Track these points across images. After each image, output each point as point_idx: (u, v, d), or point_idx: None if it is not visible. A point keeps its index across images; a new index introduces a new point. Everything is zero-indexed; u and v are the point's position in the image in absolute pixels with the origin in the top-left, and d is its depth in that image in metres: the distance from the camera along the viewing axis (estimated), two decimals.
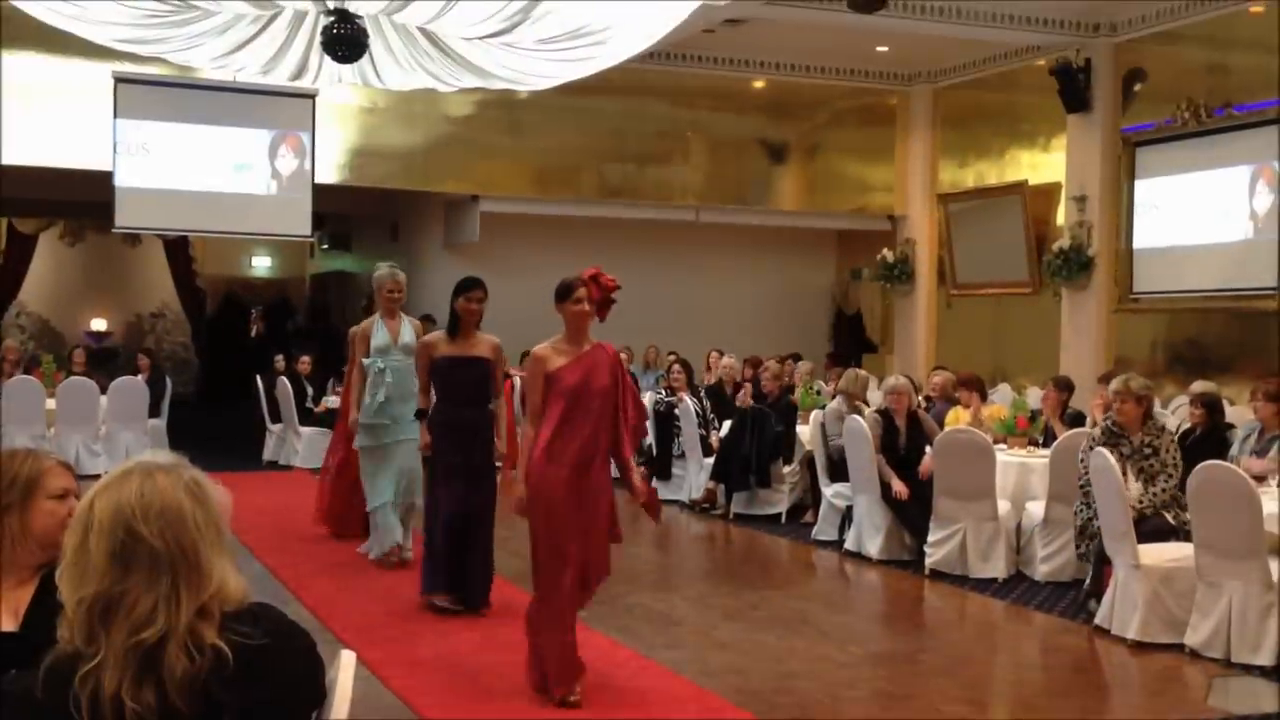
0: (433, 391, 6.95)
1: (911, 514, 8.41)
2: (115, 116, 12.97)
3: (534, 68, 10.25)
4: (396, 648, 6.06)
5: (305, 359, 13.78)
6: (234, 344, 19.14)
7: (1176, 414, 10.28)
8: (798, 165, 15.98)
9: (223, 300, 20.39)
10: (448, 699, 5.37)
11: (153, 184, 13.26)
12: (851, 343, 16.63)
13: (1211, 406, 8.19)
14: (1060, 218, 13.45)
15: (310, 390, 13.49)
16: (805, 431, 10.18)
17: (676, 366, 11.72)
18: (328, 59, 9.41)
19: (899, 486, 8.40)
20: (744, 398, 10.95)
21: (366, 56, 9.43)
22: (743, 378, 11.96)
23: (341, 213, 17.62)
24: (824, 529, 9.40)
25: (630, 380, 5.59)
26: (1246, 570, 6.08)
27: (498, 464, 6.91)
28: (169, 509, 1.96)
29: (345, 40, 9.11)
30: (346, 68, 9.74)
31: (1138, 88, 12.73)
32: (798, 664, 6.03)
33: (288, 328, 19.89)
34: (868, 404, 9.87)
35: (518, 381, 10.80)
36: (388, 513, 7.89)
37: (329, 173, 14.09)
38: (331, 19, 8.90)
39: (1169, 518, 6.85)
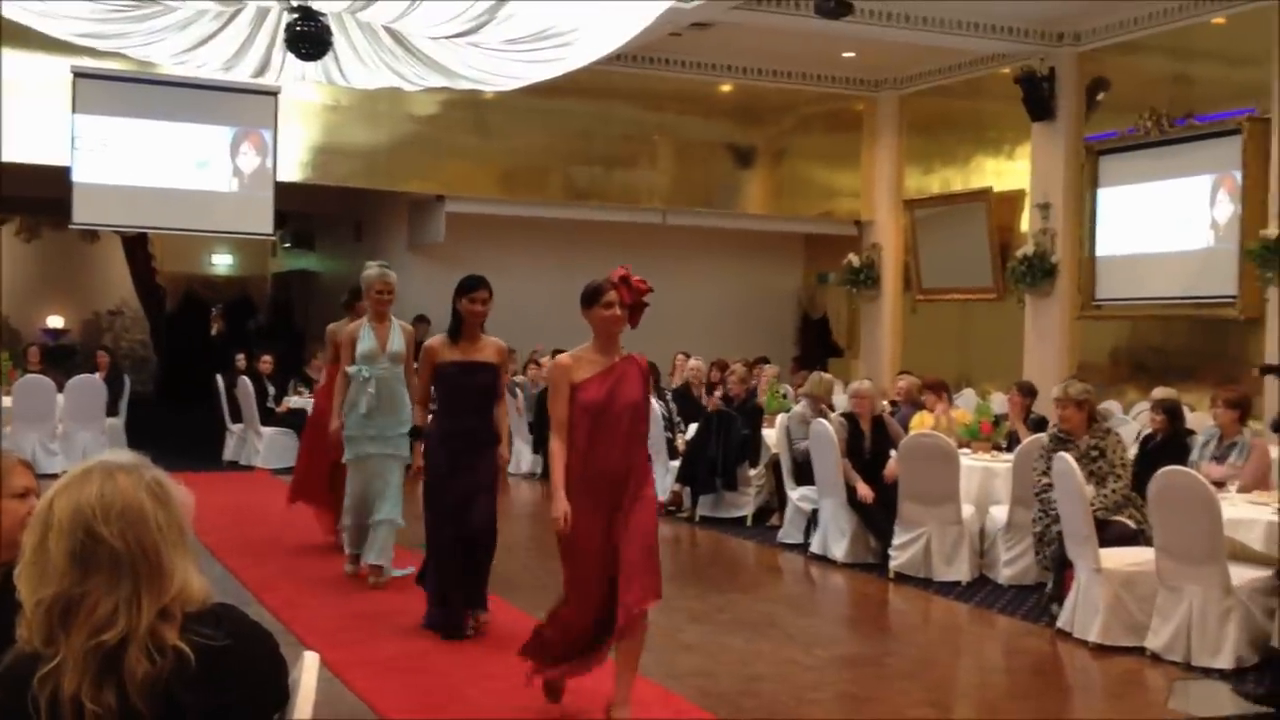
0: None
1: (876, 518, 8.44)
2: (74, 112, 12.83)
3: (500, 68, 10.21)
4: (359, 649, 6.01)
5: (267, 358, 13.67)
6: (194, 342, 18.98)
7: (1138, 420, 10.37)
8: (765, 169, 16.02)
9: (182, 298, 20.20)
10: (410, 700, 5.33)
11: (111, 180, 13.13)
12: (817, 347, 16.68)
13: (1172, 413, 8.26)
14: (1024, 224, 13.54)
15: (272, 390, 13.38)
16: (771, 435, 10.18)
17: None
18: (291, 56, 9.34)
19: (864, 490, 8.42)
20: (712, 401, 10.95)
21: (330, 54, 9.36)
22: (709, 381, 11.96)
23: (304, 211, 17.50)
24: (790, 532, 9.41)
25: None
26: (1206, 575, 6.13)
27: (499, 464, 6.39)
28: (130, 509, 1.93)
29: (309, 38, 9.03)
30: (310, 65, 9.66)
31: (1101, 97, 12.84)
32: (763, 667, 6.02)
33: (249, 326, 19.74)
34: (833, 407, 9.90)
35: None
36: (379, 530, 7.34)
37: (291, 171, 13.99)
38: (295, 16, 8.83)
39: (1128, 521, 6.92)
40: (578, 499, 4.78)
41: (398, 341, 7.37)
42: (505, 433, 6.49)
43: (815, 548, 8.91)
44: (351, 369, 7.31)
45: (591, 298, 4.91)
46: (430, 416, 6.51)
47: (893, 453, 8.51)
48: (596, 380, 4.84)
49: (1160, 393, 9.42)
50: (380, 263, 7.62)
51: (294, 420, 13.14)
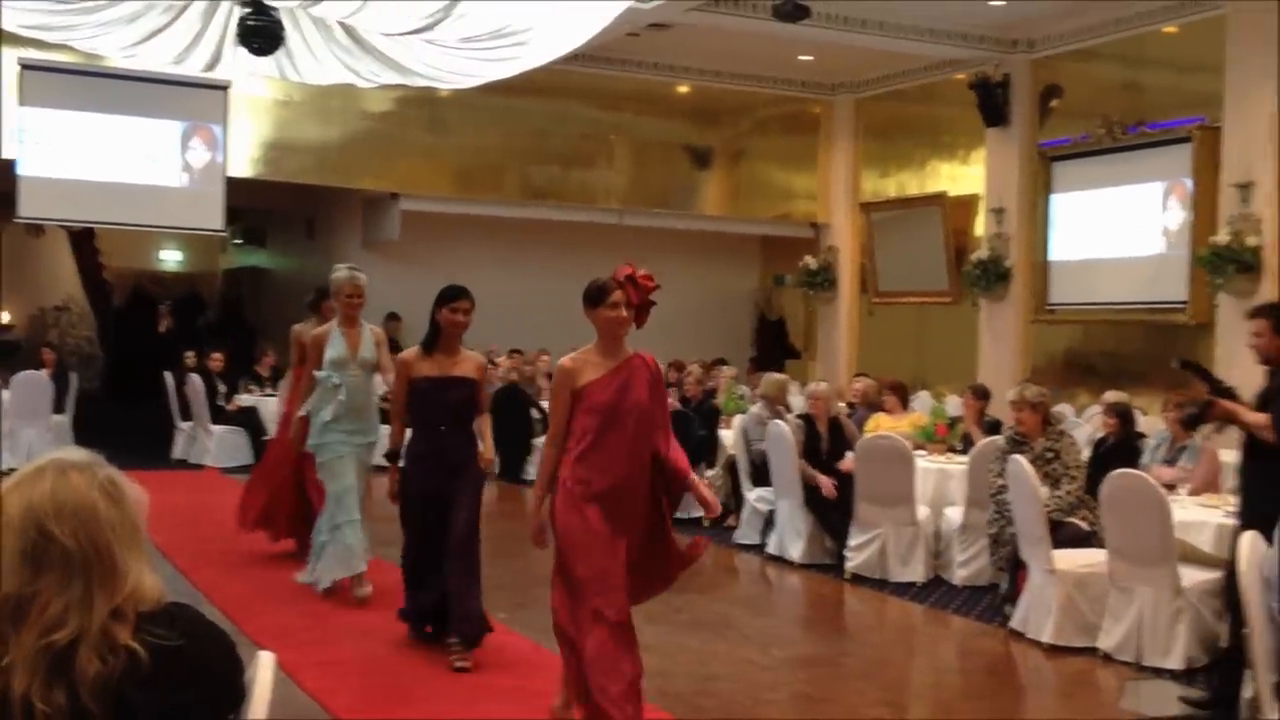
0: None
1: (833, 518, 8.46)
2: (21, 104, 12.62)
3: (456, 66, 10.15)
4: (313, 649, 5.94)
5: (217, 355, 13.52)
6: (142, 339, 18.71)
7: (1090, 423, 10.46)
8: (722, 171, 16.04)
9: (130, 294, 19.92)
10: (365, 700, 5.29)
11: (58, 174, 12.94)
12: (774, 348, 16.71)
13: (1124, 416, 8.33)
14: (979, 229, 13.64)
15: (223, 388, 13.23)
16: (728, 436, 10.19)
17: None
18: (243, 51, 9.23)
19: (826, 483, 8.43)
20: (670, 402, 10.93)
21: (283, 49, 9.27)
22: (667, 382, 11.95)
23: (255, 207, 17.32)
24: (746, 533, 9.41)
25: (666, 395, 4.97)
26: (1157, 576, 6.20)
27: (481, 466, 5.99)
28: (83, 508, 1.90)
29: (261, 32, 8.95)
30: (262, 60, 9.55)
31: (1054, 103, 12.96)
32: (720, 667, 6.01)
33: (198, 323, 19.51)
34: (789, 409, 9.91)
35: None
36: (356, 530, 6.93)
37: (242, 166, 13.85)
38: (247, 10, 8.73)
39: (1081, 523, 6.98)
40: (586, 508, 4.50)
41: (369, 347, 7.00)
42: (489, 438, 6.10)
43: (772, 548, 8.92)
44: (321, 374, 6.93)
45: (596, 297, 4.66)
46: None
47: (849, 454, 8.54)
48: (605, 381, 4.58)
49: (1111, 396, 9.48)
50: (349, 265, 7.26)
51: (245, 418, 13.03)
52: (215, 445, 12.77)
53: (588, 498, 4.52)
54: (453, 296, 5.90)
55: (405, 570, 6.06)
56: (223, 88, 13.16)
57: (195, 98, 13.29)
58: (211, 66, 10.19)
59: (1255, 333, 5.55)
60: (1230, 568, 5.55)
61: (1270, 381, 5.56)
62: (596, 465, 4.53)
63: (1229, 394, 5.72)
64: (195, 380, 12.97)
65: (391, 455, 6.07)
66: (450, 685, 5.39)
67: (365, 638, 6.22)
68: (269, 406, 12.92)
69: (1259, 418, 5.43)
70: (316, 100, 13.66)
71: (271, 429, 12.79)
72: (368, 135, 14.27)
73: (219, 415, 12.93)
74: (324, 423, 6.86)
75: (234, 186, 13.79)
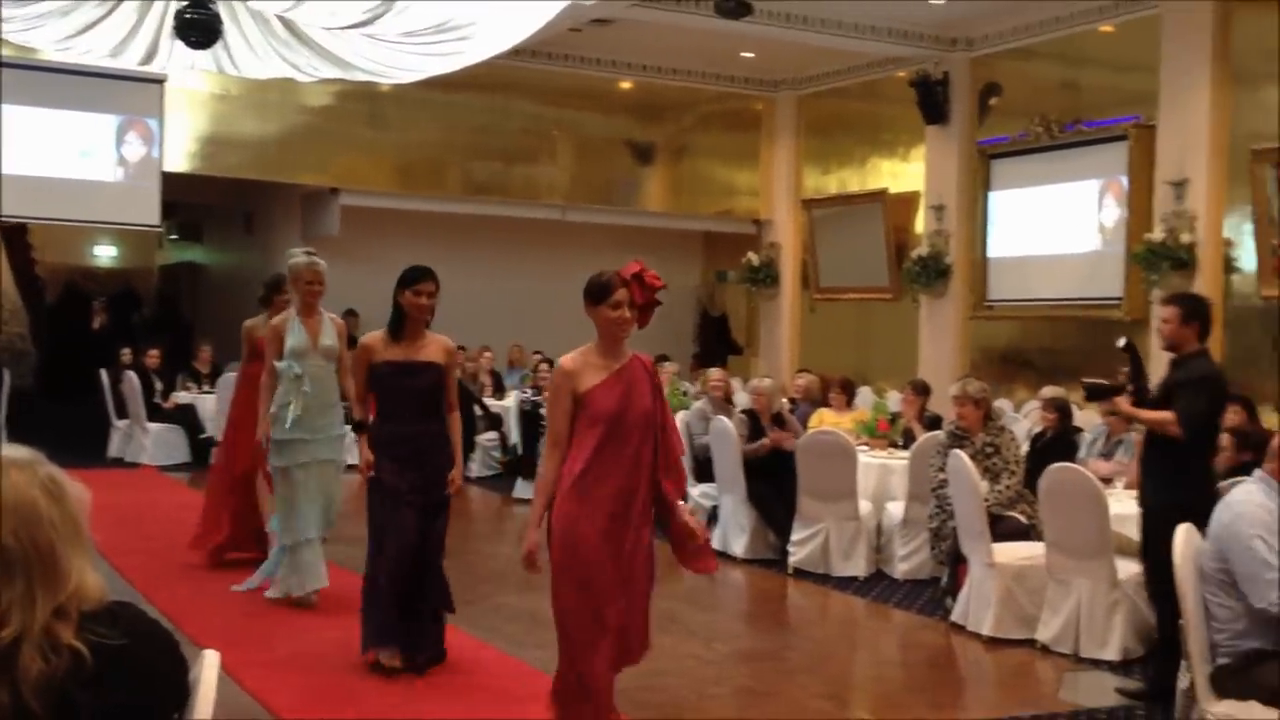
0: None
1: (776, 514, 8.50)
2: None
3: (397, 60, 10.08)
4: (253, 649, 5.87)
5: (154, 352, 13.35)
6: (76, 336, 18.41)
7: (1028, 418, 10.59)
8: (664, 167, 16.06)
9: (63, 290, 19.58)
10: (307, 699, 5.23)
11: None
12: (717, 344, 16.76)
13: (1062, 411, 8.46)
14: (919, 226, 13.76)
15: (159, 385, 13.06)
16: None
17: (544, 366, 11.64)
18: (180, 44, 9.11)
19: (767, 443, 8.49)
20: None
21: (221, 42, 9.16)
22: None
23: (192, 202, 17.10)
24: None
25: (666, 399, 4.66)
26: (1094, 569, 6.29)
27: (450, 492, 5.63)
28: (23, 506, 1.88)
29: (198, 25, 8.84)
30: (200, 54, 9.43)
31: (993, 101, 13.10)
32: (665, 662, 6.01)
33: (133, 320, 19.23)
34: (733, 404, 9.95)
35: None
36: (315, 548, 6.70)
37: (179, 161, 13.67)
38: (185, 3, 8.61)
39: (1020, 516, 7.07)
40: (585, 510, 4.21)
41: (330, 335, 6.71)
42: (459, 451, 5.73)
43: (715, 544, 8.91)
44: (281, 364, 6.60)
45: (598, 295, 4.37)
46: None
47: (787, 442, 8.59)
48: (608, 386, 4.27)
49: (1049, 391, 9.64)
50: (307, 250, 6.92)
51: (182, 416, 12.86)
52: (152, 443, 12.59)
53: (593, 515, 4.21)
54: (415, 278, 5.57)
55: (369, 585, 5.59)
56: (158, 81, 12.97)
57: (130, 91, 13.10)
58: (148, 60, 10.03)
59: (1164, 319, 5.65)
60: (1148, 558, 5.68)
61: (1171, 374, 5.65)
62: (600, 477, 4.21)
63: (1143, 393, 5.79)
64: (131, 377, 12.78)
65: (357, 426, 5.78)
66: (393, 683, 5.35)
67: (306, 637, 6.17)
68: (207, 404, 12.77)
69: (1162, 416, 5.50)
70: (254, 94, 13.51)
71: (210, 427, 12.67)
72: (307, 130, 14.13)
73: (156, 413, 12.76)
74: (294, 418, 6.53)
75: (170, 181, 13.61)
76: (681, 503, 4.47)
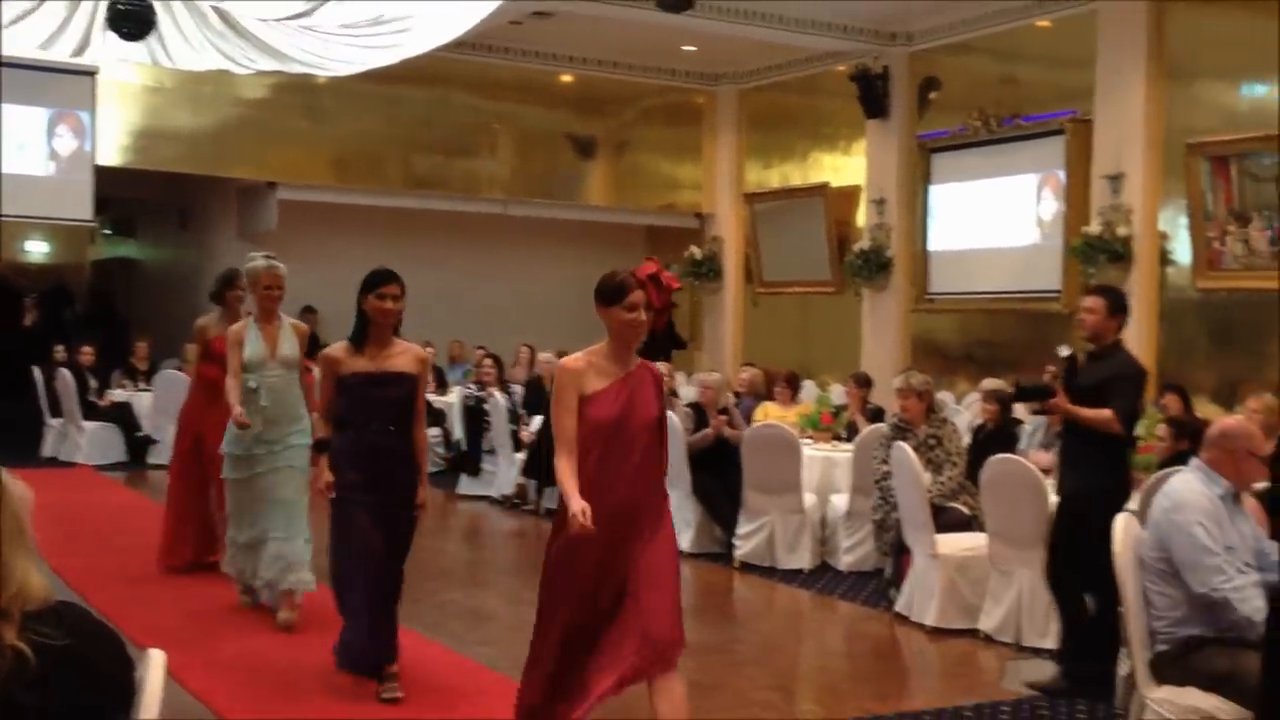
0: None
1: (721, 507, 8.52)
2: None
3: (335, 53, 9.99)
4: (195, 649, 5.78)
5: (87, 349, 13.11)
6: (7, 333, 18.06)
7: (969, 410, 10.70)
8: (606, 161, 16.03)
9: None
10: (249, 699, 5.18)
11: None
12: (661, 338, 16.73)
13: (1003, 403, 8.54)
14: (860, 219, 13.85)
15: (94, 382, 12.84)
16: None
17: (487, 361, 11.60)
18: (112, 35, 8.96)
19: (711, 431, 8.52)
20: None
21: (154, 34, 9.02)
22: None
23: (126, 197, 16.81)
24: None
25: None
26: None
27: (416, 514, 5.28)
28: None
29: (131, 17, 8.71)
30: (133, 45, 9.28)
31: (933, 96, 13.21)
32: None
33: (66, 316, 18.89)
34: (678, 397, 9.95)
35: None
36: (283, 545, 6.29)
37: (111, 155, 13.44)
38: None
39: (962, 507, 7.14)
40: (587, 547, 4.00)
41: (289, 344, 6.39)
42: (425, 468, 5.39)
43: None
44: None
45: (612, 296, 4.12)
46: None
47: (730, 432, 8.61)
48: (612, 393, 4.09)
49: (990, 384, 9.71)
50: (266, 254, 6.62)
51: (118, 414, 12.65)
52: (87, 442, 12.38)
53: (587, 541, 3.97)
54: (379, 282, 5.20)
55: (340, 596, 5.28)
56: (90, 73, 12.74)
57: (62, 84, 12.85)
58: (80, 52, 9.86)
59: (1090, 309, 5.70)
60: (1061, 546, 5.73)
61: (1094, 367, 5.70)
62: (597, 489, 4.00)
63: (1075, 392, 5.85)
64: (65, 375, 12.56)
65: (319, 446, 5.42)
66: (336, 682, 5.29)
67: (248, 636, 6.11)
68: (144, 401, 12.58)
69: (1102, 415, 5.56)
70: (189, 86, 13.30)
71: (147, 425, 12.49)
72: (243, 123, 13.94)
73: (91, 411, 12.54)
74: (251, 433, 6.25)
75: (103, 175, 13.38)
76: None
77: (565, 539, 4.05)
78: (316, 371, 5.90)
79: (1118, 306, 5.73)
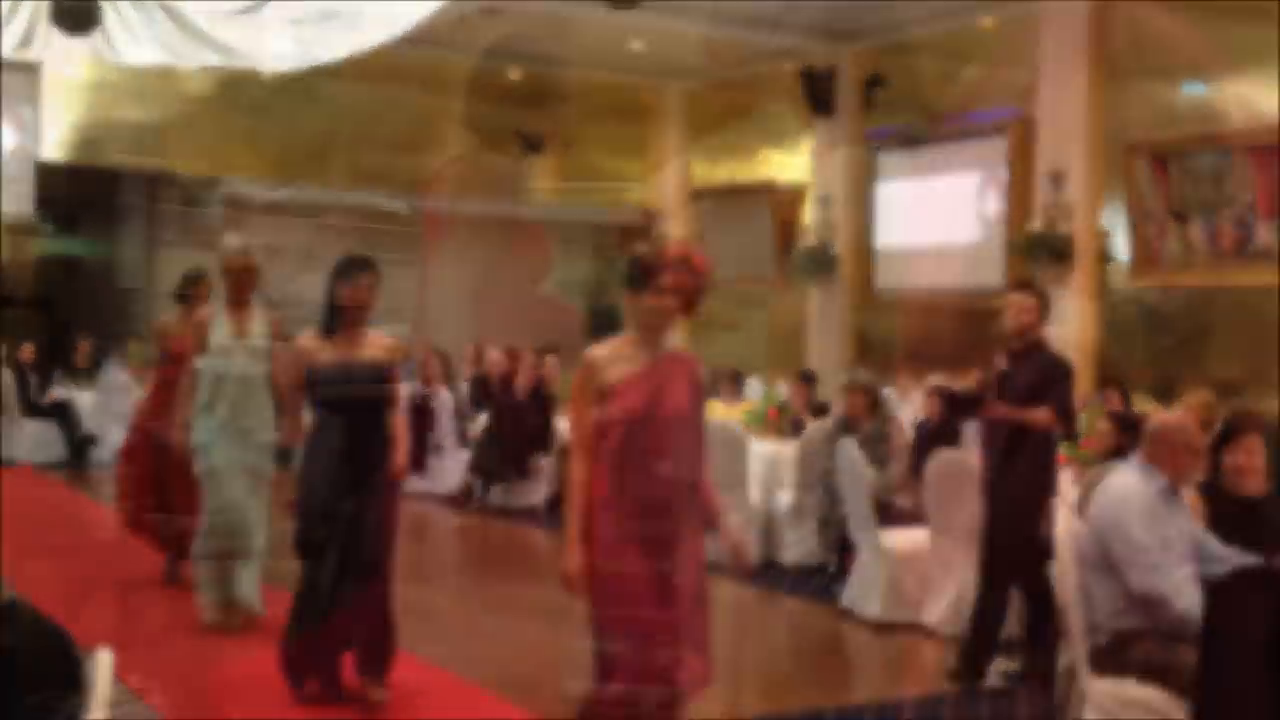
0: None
1: None
2: None
3: (281, 48, 9.92)
4: (136, 647, 5.71)
5: (28, 346, 12.95)
6: None
7: (913, 406, 10.80)
8: (553, 157, 16.02)
9: None
10: (191, 699, 5.15)
11: None
12: (607, 335, 16.75)
13: (948, 399, 8.63)
14: (807, 217, 13.94)
15: (35, 380, 12.67)
16: (565, 423, 10.21)
17: (434, 359, 11.55)
18: (56, 30, 8.87)
19: None
20: (522, 390, 10.78)
21: (100, 28, 8.93)
22: (508, 371, 11.90)
23: (69, 193, 16.57)
24: None
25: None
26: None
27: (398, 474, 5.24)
28: None
29: (75, 11, 8.61)
30: (78, 40, 9.18)
31: (878, 94, 13.30)
32: (559, 653, 6.02)
33: (4, 314, 18.61)
34: None
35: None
36: (252, 571, 6.16)
37: (55, 150, 13.27)
38: None
39: (906, 502, 7.23)
40: (617, 536, 3.77)
41: (261, 332, 6.17)
42: (403, 443, 5.24)
43: None
44: (202, 363, 6.10)
45: (640, 278, 3.84)
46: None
47: None
48: (635, 382, 3.78)
49: (934, 380, 9.84)
50: (238, 235, 6.41)
51: (59, 412, 12.50)
52: (30, 440, 12.23)
53: (621, 525, 3.77)
54: (353, 270, 5.06)
55: (297, 603, 5.13)
56: (33, 68, 12.57)
57: (4, 78, 12.66)
58: (23, 46, 9.73)
59: (1026, 308, 5.74)
60: (990, 546, 5.77)
61: (1024, 368, 5.74)
62: (625, 485, 3.77)
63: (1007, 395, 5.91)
64: (5, 373, 12.39)
65: (283, 456, 5.26)
66: (279, 682, 5.26)
67: (195, 635, 6.07)
68: (85, 400, 12.44)
69: (1042, 415, 5.62)
70: (134, 82, 13.15)
71: (90, 424, 12.35)
72: (188, 118, 13.80)
73: (32, 409, 12.39)
74: (214, 421, 6.05)
75: (45, 171, 13.22)
76: (726, 520, 4.09)
77: (598, 560, 3.80)
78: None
79: (1047, 305, 5.83)
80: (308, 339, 5.13)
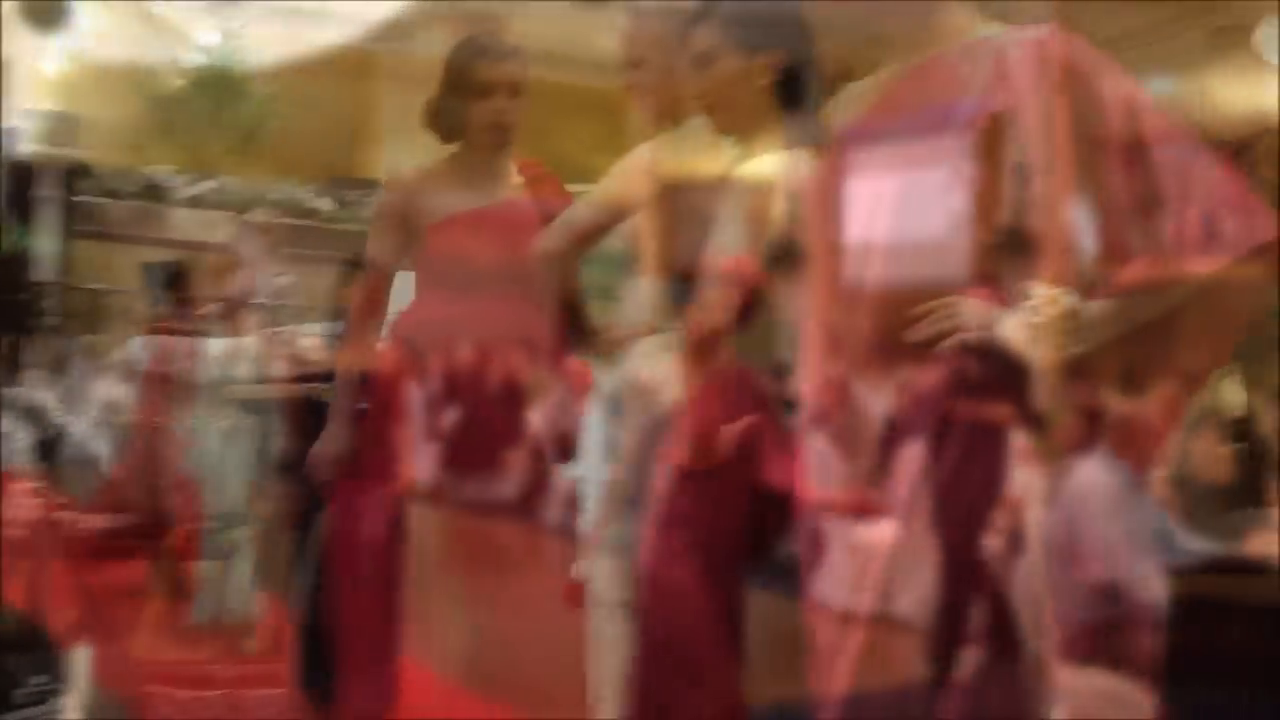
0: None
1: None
2: None
3: (250, 43, 9.95)
4: (114, 646, 5.74)
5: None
6: None
7: (882, 400, 10.92)
8: (522, 153, 16.02)
9: None
10: (171, 699, 5.14)
11: None
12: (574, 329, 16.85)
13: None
14: (775, 211, 14.01)
15: None
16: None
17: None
18: (24, 26, 8.86)
19: None
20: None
21: (68, 23, 8.94)
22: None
23: (33, 191, 16.50)
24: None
25: None
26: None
27: None
28: None
29: (43, 7, 8.61)
30: (45, 35, 9.18)
31: (847, 89, 13.38)
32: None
33: None
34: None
35: None
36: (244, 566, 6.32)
37: (19, 146, 13.19)
38: None
39: (876, 496, 7.29)
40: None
41: (254, 333, 6.53)
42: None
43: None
44: (198, 364, 6.42)
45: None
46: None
47: None
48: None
49: (902, 375, 9.94)
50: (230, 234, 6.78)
51: (26, 413, 12.44)
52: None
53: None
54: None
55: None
56: None
57: None
58: None
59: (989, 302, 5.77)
60: (953, 540, 5.83)
61: (986, 362, 5.79)
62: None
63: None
64: None
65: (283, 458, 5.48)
66: (271, 687, 5.29)
67: (178, 639, 6.09)
68: (50, 400, 12.40)
69: (1001, 412, 5.67)
70: (101, 77, 13.12)
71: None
72: (156, 114, 13.75)
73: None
74: (211, 425, 6.26)
75: (10, 168, 13.12)
76: None
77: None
78: None
79: (1010, 299, 5.85)
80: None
